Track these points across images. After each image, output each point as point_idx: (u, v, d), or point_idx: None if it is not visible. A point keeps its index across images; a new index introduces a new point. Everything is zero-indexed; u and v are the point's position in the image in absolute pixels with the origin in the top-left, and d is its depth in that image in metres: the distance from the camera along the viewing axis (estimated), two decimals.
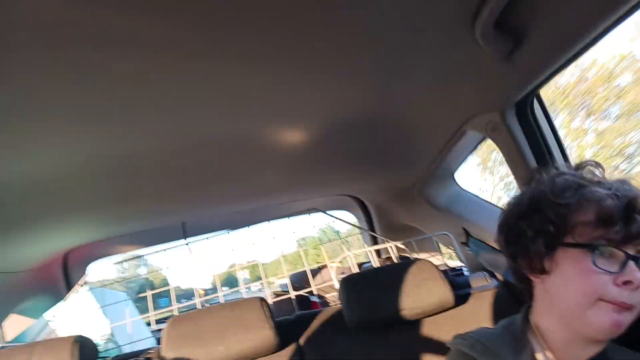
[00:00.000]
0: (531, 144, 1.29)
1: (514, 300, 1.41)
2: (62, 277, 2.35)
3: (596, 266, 0.69)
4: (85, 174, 1.32)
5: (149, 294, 2.14)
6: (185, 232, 2.23)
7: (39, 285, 2.22)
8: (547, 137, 1.29)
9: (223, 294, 2.02)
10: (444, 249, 2.29)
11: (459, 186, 2.02)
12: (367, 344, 1.33)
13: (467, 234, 1.89)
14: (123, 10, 0.73)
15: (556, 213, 0.75)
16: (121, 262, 2.39)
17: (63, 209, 1.57)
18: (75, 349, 1.24)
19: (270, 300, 1.93)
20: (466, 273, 1.94)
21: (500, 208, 0.89)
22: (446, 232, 1.97)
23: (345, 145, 1.57)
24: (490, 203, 1.87)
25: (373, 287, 1.36)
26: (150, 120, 1.09)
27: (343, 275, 1.60)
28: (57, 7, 0.68)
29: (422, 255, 2.29)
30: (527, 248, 0.79)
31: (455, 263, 2.24)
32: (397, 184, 2.15)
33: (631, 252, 0.70)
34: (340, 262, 2.43)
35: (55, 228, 1.76)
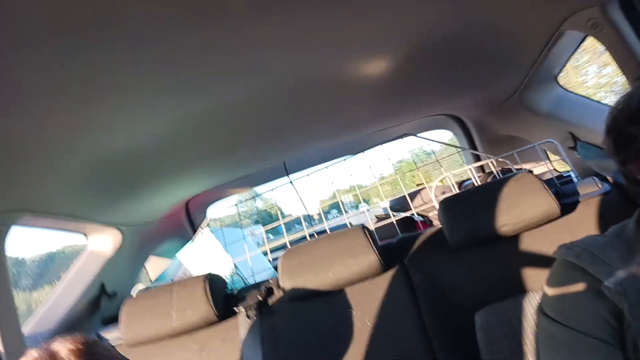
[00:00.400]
0: None
1: (626, 204, 1.33)
2: (187, 222, 2.66)
3: None
4: (191, 132, 1.44)
5: (262, 229, 2.34)
6: (287, 170, 2.35)
7: (169, 231, 2.54)
8: None
9: (329, 224, 2.14)
10: (553, 156, 2.18)
11: (563, 88, 1.87)
12: (471, 261, 1.35)
13: (575, 138, 1.77)
14: None
15: None
16: (236, 204, 2.61)
17: (178, 164, 1.74)
18: (207, 285, 1.43)
19: (372, 226, 2.01)
20: (576, 179, 1.84)
21: (609, 106, 0.82)
22: (551, 140, 1.86)
23: (437, 64, 1.51)
24: (598, 102, 1.73)
25: (472, 207, 1.36)
26: (242, 73, 1.14)
27: (444, 196, 1.61)
28: None
29: (527, 166, 2.20)
30: (638, 152, 0.75)
31: (567, 169, 2.12)
32: (496, 94, 2.04)
33: None
34: (441, 181, 2.42)
35: (175, 181, 1.97)
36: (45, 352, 0.73)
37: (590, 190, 1.42)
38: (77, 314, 1.81)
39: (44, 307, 1.80)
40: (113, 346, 1.25)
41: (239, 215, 2.52)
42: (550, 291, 0.85)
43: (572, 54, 1.66)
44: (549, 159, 2.19)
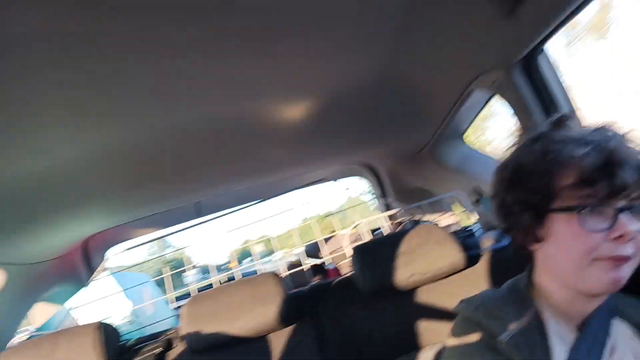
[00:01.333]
0: (539, 99, 1.26)
1: (524, 258, 1.40)
2: (83, 263, 2.41)
3: (585, 227, 0.68)
4: (96, 164, 1.33)
5: (167, 274, 2.19)
6: (199, 211, 2.25)
7: (62, 273, 2.29)
8: (556, 92, 1.25)
9: (240, 268, 2.06)
10: (459, 208, 2.29)
11: (468, 146, 1.99)
12: (381, 310, 1.34)
13: (479, 193, 1.87)
14: (124, 15, 0.72)
15: (538, 182, 0.73)
16: (142, 244, 2.43)
17: (78, 198, 1.59)
18: (97, 335, 1.28)
19: (284, 273, 1.96)
20: (479, 232, 1.93)
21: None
22: (457, 193, 1.96)
23: (353, 113, 1.55)
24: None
25: (384, 254, 1.36)
26: (157, 108, 1.10)
27: (356, 243, 1.61)
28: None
29: (434, 217, 2.29)
30: (518, 222, 0.78)
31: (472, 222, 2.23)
32: (407, 147, 2.13)
33: (620, 204, 0.68)
34: (354, 228, 2.44)
35: (73, 217, 1.80)
36: None
37: (489, 244, 1.49)
38: None
39: None
40: None
41: (143, 260, 2.34)
42: (451, 347, 0.86)
43: (479, 112, 1.78)
44: (453, 213, 2.29)
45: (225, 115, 1.27)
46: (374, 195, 2.72)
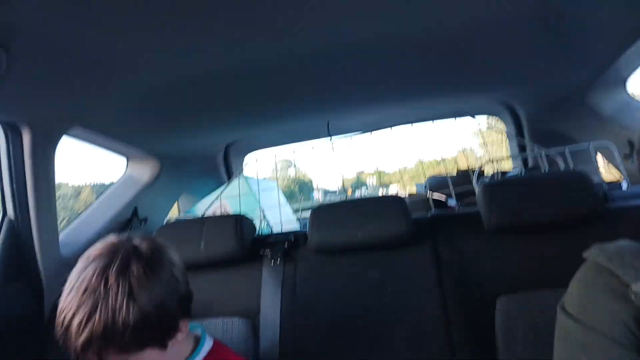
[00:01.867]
0: None
1: None
2: (223, 165, 2.70)
3: None
4: (242, 75, 1.44)
5: (295, 188, 2.36)
6: (329, 130, 2.33)
7: (206, 169, 2.60)
8: None
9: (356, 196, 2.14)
10: (607, 160, 2.10)
11: (629, 95, 1.78)
12: (503, 247, 1.33)
13: (632, 146, 1.70)
14: None
15: None
16: (275, 164, 2.62)
17: (223, 106, 1.75)
18: (238, 224, 1.47)
19: (407, 199, 1.99)
20: (626, 187, 1.77)
21: None
22: (607, 143, 1.79)
23: (501, 46, 1.45)
24: None
25: (514, 194, 1.32)
26: (296, 25, 1.13)
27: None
28: None
29: (576, 168, 2.13)
30: None
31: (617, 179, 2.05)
32: (558, 89, 1.95)
33: None
34: (483, 170, 2.36)
35: (218, 122, 1.99)
36: (115, 243, 0.85)
37: (638, 199, 1.37)
38: (108, 232, 1.87)
39: (79, 219, 1.88)
40: None
41: (275, 169, 2.53)
42: (575, 289, 0.85)
43: None
44: (597, 164, 2.11)
45: (360, 38, 1.26)
46: (510, 137, 2.58)
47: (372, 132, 2.45)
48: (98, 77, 1.24)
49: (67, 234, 1.77)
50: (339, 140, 2.51)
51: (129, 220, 2.03)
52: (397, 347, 1.26)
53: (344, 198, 1.98)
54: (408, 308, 1.31)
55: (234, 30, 1.11)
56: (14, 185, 1.36)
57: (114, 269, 0.78)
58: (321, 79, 1.58)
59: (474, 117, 2.36)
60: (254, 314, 1.39)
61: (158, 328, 0.82)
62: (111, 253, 0.82)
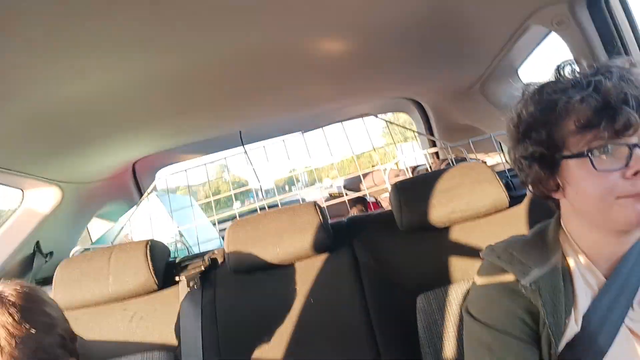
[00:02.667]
0: (604, 39, 1.16)
1: None
2: (133, 184, 2.55)
3: (600, 169, 0.67)
4: (144, 90, 1.35)
5: (211, 198, 2.28)
6: (242, 139, 2.28)
7: (114, 193, 2.43)
8: (623, 32, 1.14)
9: (281, 198, 2.11)
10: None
11: (523, 83, 1.88)
12: (418, 245, 1.35)
13: None
14: None
15: (542, 133, 0.73)
16: (186, 170, 2.51)
17: (127, 123, 1.64)
18: (148, 251, 1.37)
19: (324, 203, 1.99)
20: None
21: None
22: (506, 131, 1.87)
23: (400, 47, 1.48)
24: None
25: (424, 192, 1.34)
26: (202, 36, 1.08)
27: (397, 178, 1.60)
28: None
29: (481, 157, 2.23)
30: (533, 174, 0.79)
31: None
32: (457, 83, 2.04)
33: (631, 140, 0.66)
34: (396, 164, 2.42)
35: (123, 140, 1.87)
36: None
37: None
38: (8, 272, 1.73)
39: None
40: None
41: (188, 182, 2.43)
42: (474, 291, 0.89)
43: (533, 49, 1.67)
44: (502, 151, 2.22)
45: (268, 46, 1.24)
46: (418, 132, 2.66)
47: (284, 137, 2.43)
48: None
49: None
50: (272, 144, 2.46)
51: (31, 255, 1.85)
52: (324, 351, 1.25)
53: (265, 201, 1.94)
54: (333, 315, 1.29)
55: (130, 43, 1.03)
56: None
57: None
58: (231, 88, 1.54)
59: (376, 116, 2.40)
60: (174, 346, 1.31)
61: None
62: None
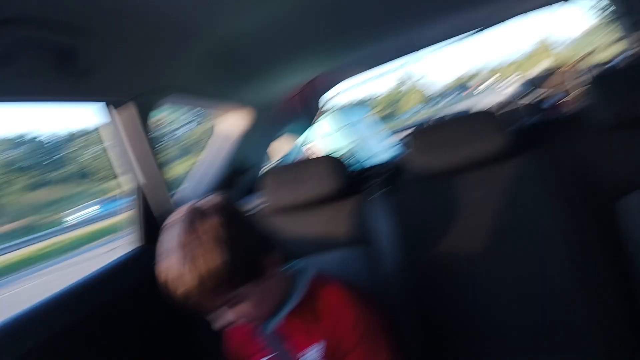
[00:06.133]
0: None
1: None
2: (311, 102, 2.73)
3: None
4: (308, 13, 1.44)
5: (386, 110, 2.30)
6: (416, 44, 2.20)
7: (294, 110, 2.64)
8: None
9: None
10: None
11: None
12: (619, 143, 1.23)
13: None
14: None
15: None
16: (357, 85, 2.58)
17: (297, 46, 1.75)
18: (329, 166, 1.45)
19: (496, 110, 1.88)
20: None
21: None
22: None
23: None
24: None
25: (636, 82, 1.17)
26: None
27: (576, 81, 1.41)
28: None
29: None
30: None
31: None
32: None
33: None
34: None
35: (302, 59, 1.99)
36: (191, 206, 0.95)
37: None
38: (218, 186, 2.02)
39: (191, 176, 2.04)
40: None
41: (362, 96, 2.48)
42: None
43: None
44: None
45: None
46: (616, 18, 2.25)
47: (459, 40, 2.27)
48: (180, 40, 1.32)
49: (181, 195, 1.86)
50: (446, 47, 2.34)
51: (236, 171, 2.13)
52: (514, 257, 1.25)
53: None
54: (520, 221, 1.27)
55: None
56: (134, 155, 1.50)
57: (198, 223, 0.89)
58: None
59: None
60: (364, 245, 1.40)
61: (250, 264, 0.94)
62: (190, 214, 0.92)
